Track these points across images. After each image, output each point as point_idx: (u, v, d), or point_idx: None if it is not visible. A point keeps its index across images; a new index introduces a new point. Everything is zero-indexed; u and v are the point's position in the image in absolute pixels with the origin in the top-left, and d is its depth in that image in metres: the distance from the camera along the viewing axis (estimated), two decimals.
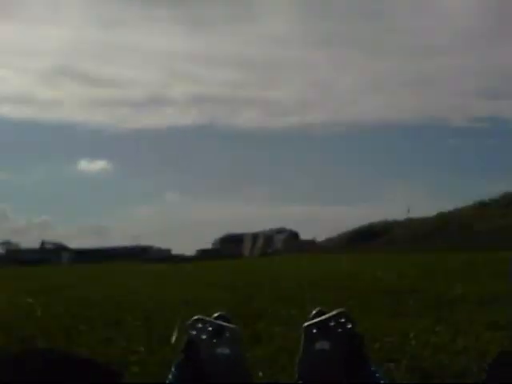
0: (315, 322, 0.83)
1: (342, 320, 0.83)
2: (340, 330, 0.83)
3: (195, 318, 0.85)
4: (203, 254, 37.33)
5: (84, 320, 4.23)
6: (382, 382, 0.86)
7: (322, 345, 0.82)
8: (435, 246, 18.79)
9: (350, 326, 0.83)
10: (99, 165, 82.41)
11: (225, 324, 0.85)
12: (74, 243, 53.60)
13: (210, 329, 0.83)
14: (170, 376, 0.86)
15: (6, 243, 43.93)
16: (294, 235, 41.51)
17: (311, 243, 36.97)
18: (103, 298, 6.22)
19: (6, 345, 3.25)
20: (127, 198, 76.62)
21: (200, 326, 0.84)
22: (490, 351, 2.50)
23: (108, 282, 9.65)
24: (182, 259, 30.46)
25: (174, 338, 3.04)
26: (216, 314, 0.92)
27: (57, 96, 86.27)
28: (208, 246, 44.28)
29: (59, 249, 43.11)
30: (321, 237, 38.17)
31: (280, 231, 41.70)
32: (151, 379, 2.38)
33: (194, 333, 0.84)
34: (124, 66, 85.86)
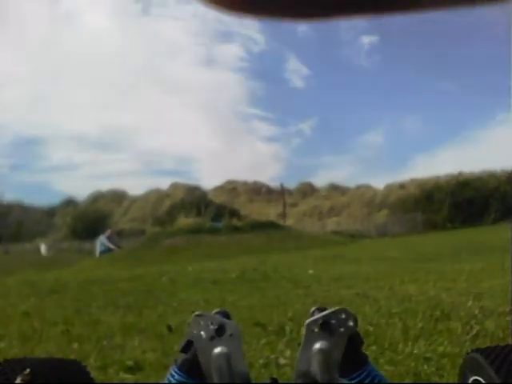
0: (316, 319, 0.84)
1: (343, 317, 0.84)
2: (341, 328, 0.83)
3: (196, 314, 0.85)
4: None
5: None
6: (380, 381, 0.86)
7: (322, 344, 0.82)
8: None
9: (351, 323, 0.84)
10: None
11: (226, 320, 0.86)
12: None
13: (212, 327, 0.84)
14: (169, 376, 0.86)
15: None
16: None
17: None
18: None
19: None
20: None
21: (202, 323, 0.84)
22: None
23: None
24: None
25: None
26: (216, 310, 0.92)
27: None
28: None
29: None
30: None
31: None
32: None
33: (195, 331, 0.84)
34: None
